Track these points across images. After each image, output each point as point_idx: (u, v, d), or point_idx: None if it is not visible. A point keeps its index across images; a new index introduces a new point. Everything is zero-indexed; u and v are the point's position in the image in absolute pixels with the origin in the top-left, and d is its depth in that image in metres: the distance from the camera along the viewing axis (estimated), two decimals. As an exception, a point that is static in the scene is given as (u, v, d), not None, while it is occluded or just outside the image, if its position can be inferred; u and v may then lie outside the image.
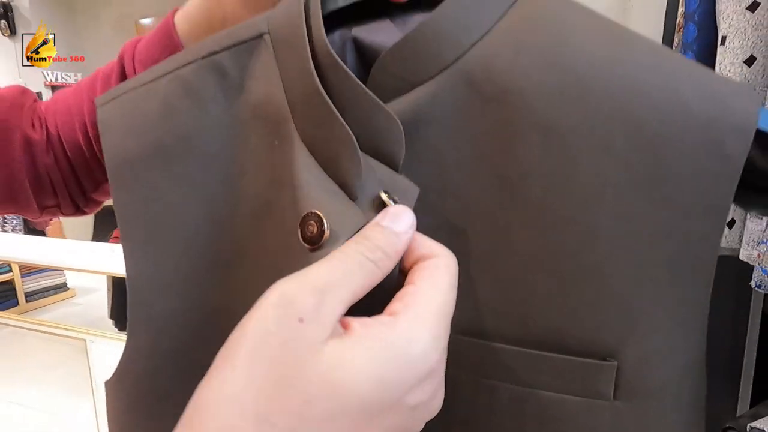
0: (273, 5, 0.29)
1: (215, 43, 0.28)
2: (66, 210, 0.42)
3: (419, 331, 0.19)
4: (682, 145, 0.21)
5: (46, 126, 0.39)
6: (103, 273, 1.77)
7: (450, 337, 0.22)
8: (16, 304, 2.06)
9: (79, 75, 3.97)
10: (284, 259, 0.24)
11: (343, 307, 0.18)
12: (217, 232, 0.28)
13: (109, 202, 0.38)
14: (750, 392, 0.83)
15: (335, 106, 0.24)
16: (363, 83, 0.24)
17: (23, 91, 0.40)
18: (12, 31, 3.83)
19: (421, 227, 0.23)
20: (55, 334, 1.78)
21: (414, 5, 0.27)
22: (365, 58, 0.27)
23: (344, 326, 0.19)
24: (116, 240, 2.39)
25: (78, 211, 0.43)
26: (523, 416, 0.25)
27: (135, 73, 0.38)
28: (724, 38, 0.55)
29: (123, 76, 0.39)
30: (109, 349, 1.69)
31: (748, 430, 0.55)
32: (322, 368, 0.17)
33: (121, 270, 1.60)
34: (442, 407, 0.23)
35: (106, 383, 0.32)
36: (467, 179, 0.25)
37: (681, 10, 0.66)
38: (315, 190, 0.23)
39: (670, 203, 0.22)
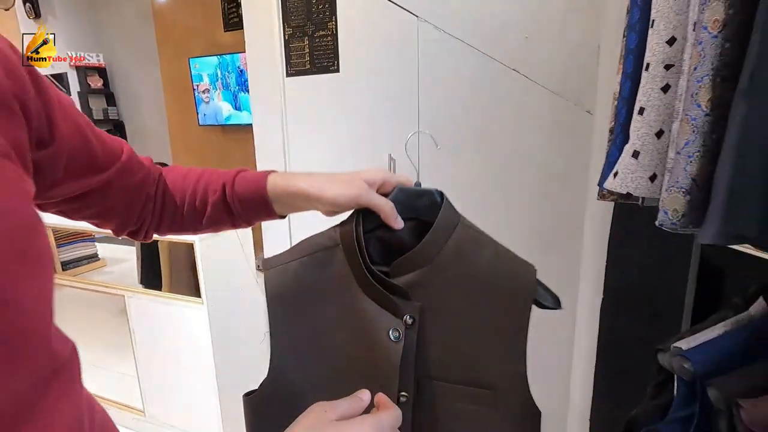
0: (340, 213, 0.62)
1: (316, 246, 0.61)
2: (138, 235, 0.65)
3: None
4: (501, 289, 0.57)
5: (163, 185, 0.64)
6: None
7: (420, 378, 0.59)
8: (54, 272, 2.17)
9: (101, 56, 4.08)
10: (375, 349, 0.58)
11: (338, 414, 0.41)
12: (318, 334, 0.61)
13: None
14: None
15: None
16: (385, 261, 0.60)
17: (151, 160, 0.64)
18: (36, 14, 3.92)
19: (425, 323, 0.59)
20: (96, 291, 1.93)
21: (411, 218, 0.61)
22: (384, 243, 0.62)
23: None
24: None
25: (145, 237, 0.66)
26: (456, 416, 0.60)
27: (234, 203, 0.63)
28: (653, 21, 0.62)
29: (225, 201, 0.64)
30: (144, 305, 1.83)
31: (671, 349, 0.65)
32: (330, 430, 0.40)
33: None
34: (413, 413, 0.59)
35: (243, 397, 0.62)
36: (439, 302, 0.58)
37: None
38: (384, 314, 0.58)
39: (499, 309, 0.57)
